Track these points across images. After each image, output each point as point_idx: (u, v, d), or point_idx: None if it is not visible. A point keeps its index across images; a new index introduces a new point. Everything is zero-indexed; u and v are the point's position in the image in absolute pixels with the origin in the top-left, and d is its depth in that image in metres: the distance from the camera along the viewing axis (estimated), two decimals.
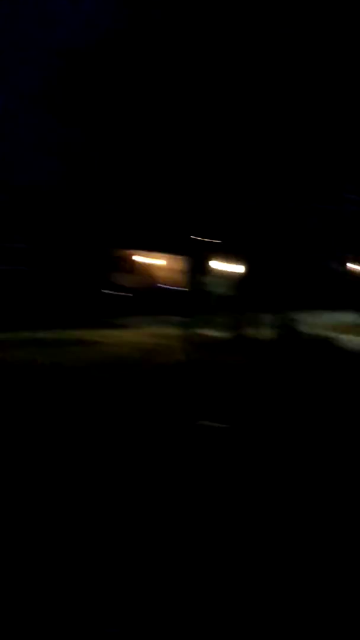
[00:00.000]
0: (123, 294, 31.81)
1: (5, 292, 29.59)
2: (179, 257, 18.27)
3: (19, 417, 10.14)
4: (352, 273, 24.97)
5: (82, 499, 6.99)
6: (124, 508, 6.78)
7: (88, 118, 17.57)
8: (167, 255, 24.98)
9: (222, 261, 20.32)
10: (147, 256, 33.32)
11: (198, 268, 18.40)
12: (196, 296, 17.97)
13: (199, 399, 11.57)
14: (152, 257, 33.02)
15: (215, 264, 20.32)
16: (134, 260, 34.05)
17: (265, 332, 18.65)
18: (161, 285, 31.29)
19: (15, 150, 23.28)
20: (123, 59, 16.93)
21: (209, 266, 19.78)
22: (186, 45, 16.68)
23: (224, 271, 20.99)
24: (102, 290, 31.99)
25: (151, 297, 30.80)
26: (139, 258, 33.32)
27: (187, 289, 17.77)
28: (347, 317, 22.28)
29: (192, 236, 17.45)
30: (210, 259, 19.57)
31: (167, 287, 28.70)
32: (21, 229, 30.24)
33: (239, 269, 20.45)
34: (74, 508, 6.74)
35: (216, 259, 19.96)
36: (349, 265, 25.18)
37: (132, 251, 33.35)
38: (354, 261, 25.03)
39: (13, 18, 20.04)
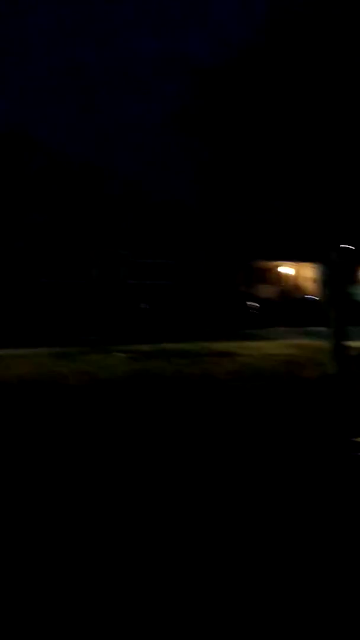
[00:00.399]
0: (264, 305, 31.68)
1: (152, 305, 30.22)
2: (324, 266, 17.80)
3: (176, 426, 10.13)
4: None
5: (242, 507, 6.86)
6: (280, 523, 6.58)
7: (226, 134, 17.49)
8: (311, 265, 24.56)
9: None
10: (291, 267, 33.02)
11: (344, 277, 17.88)
12: (342, 306, 17.44)
13: (350, 413, 11.19)
14: (296, 268, 32.69)
15: None
16: (277, 271, 33.88)
17: None
18: (306, 296, 30.90)
19: (155, 169, 23.62)
20: (258, 77, 16.78)
21: (356, 275, 19.24)
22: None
23: None
24: (245, 302, 31.98)
25: (295, 307, 30.44)
26: (283, 269, 33.09)
27: (332, 299, 17.29)
28: None
29: (341, 245, 16.96)
30: (357, 268, 19.04)
31: (312, 297, 28.30)
32: (165, 245, 30.80)
33: None
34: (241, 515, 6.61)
35: None
36: None
37: (275, 262, 33.17)
38: None
39: (154, 37, 20.30)
